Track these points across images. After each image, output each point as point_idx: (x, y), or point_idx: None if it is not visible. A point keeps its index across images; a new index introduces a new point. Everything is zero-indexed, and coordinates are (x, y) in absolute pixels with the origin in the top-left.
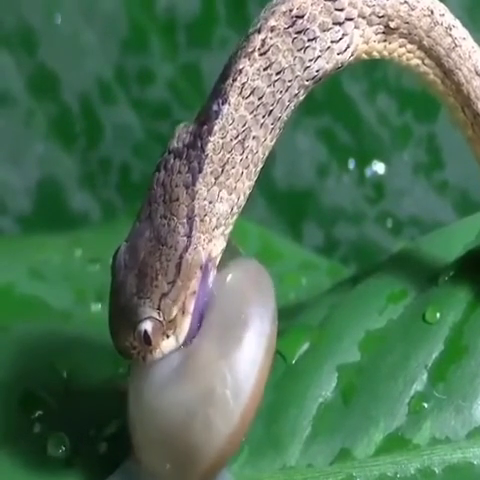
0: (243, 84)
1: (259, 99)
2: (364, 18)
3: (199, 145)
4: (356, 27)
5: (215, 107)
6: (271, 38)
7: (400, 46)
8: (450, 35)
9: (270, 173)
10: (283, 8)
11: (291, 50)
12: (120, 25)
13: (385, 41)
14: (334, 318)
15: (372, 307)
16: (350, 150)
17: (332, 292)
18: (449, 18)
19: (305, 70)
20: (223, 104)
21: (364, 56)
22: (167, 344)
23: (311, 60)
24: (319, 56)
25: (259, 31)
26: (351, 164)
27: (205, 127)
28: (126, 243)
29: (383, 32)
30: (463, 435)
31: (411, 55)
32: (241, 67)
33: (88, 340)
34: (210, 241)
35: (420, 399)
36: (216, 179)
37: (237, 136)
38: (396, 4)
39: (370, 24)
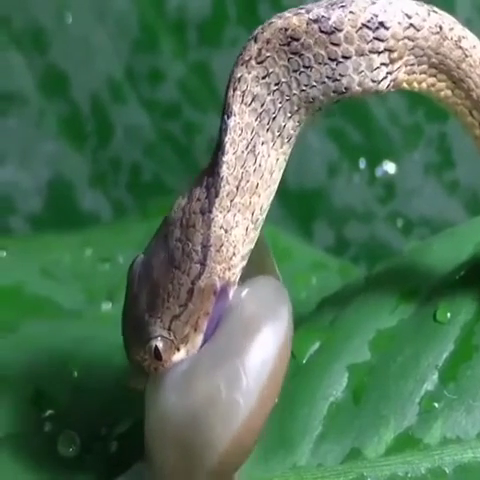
0: (243, 92)
1: (261, 106)
2: (362, 56)
3: (215, 171)
4: (355, 68)
5: (223, 125)
6: (267, 50)
7: (407, 73)
8: (460, 47)
9: None
10: (279, 24)
11: (287, 67)
12: (131, 25)
13: (389, 75)
14: (344, 318)
15: (383, 307)
16: (361, 150)
17: (343, 292)
18: (458, 30)
19: (301, 92)
20: (229, 117)
21: (370, 95)
22: (178, 357)
23: (306, 86)
24: (314, 86)
25: (255, 40)
26: (362, 164)
27: (219, 152)
28: (143, 255)
29: (387, 64)
30: (474, 435)
31: (422, 76)
32: (239, 75)
33: (99, 339)
34: (228, 270)
35: (431, 399)
36: (231, 201)
37: (247, 145)
38: (399, 32)
39: (369, 67)
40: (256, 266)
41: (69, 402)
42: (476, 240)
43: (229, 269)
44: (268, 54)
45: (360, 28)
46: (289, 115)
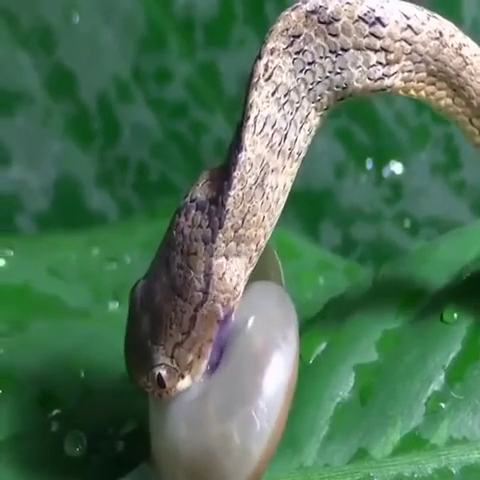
0: (255, 118)
1: (272, 127)
2: (359, 50)
3: (220, 201)
4: (353, 62)
5: (233, 158)
6: (272, 61)
7: (404, 81)
8: (460, 55)
9: None
10: (279, 28)
11: (293, 71)
12: (138, 24)
13: (386, 78)
14: (351, 318)
15: (389, 307)
16: (368, 150)
17: (349, 292)
18: (459, 38)
19: (309, 91)
20: (239, 152)
21: (368, 94)
22: (183, 384)
23: (312, 83)
24: (319, 81)
25: (260, 57)
26: (369, 164)
27: (225, 183)
28: (143, 280)
29: (383, 64)
30: None
31: (420, 85)
32: (251, 101)
33: (105, 339)
34: (233, 299)
35: (437, 399)
36: (236, 232)
37: (256, 180)
38: (396, 32)
39: (366, 63)
40: (260, 268)
41: (76, 402)
42: None
43: (234, 298)
44: (274, 64)
45: (357, 20)
46: (300, 125)
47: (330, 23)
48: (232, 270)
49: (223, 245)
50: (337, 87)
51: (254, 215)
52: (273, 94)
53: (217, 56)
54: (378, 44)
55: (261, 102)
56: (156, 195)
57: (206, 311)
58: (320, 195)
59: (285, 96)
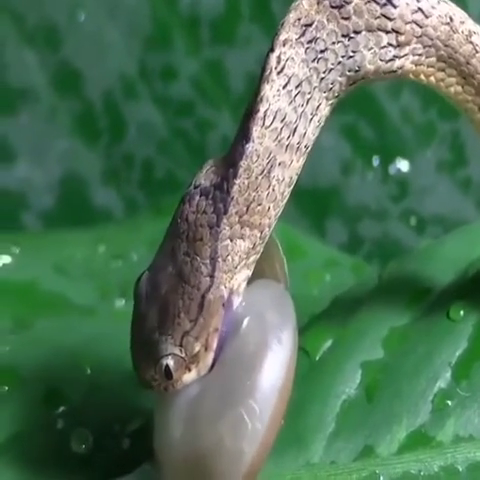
0: (265, 112)
1: (282, 121)
2: (371, 32)
3: (225, 187)
4: (365, 44)
5: (239, 148)
6: (285, 52)
7: (414, 64)
8: (471, 42)
9: None
10: (291, 18)
11: (306, 61)
12: (144, 22)
13: (396, 59)
14: (358, 315)
15: (396, 304)
16: (374, 147)
17: (356, 289)
18: (469, 25)
19: (321, 81)
20: (247, 143)
21: (380, 76)
22: (189, 377)
23: (325, 71)
24: (332, 69)
25: (272, 49)
26: (375, 161)
27: (231, 170)
28: (148, 272)
29: (394, 46)
30: None
31: (430, 70)
32: (262, 94)
33: (112, 336)
34: (232, 278)
35: (443, 396)
36: (240, 218)
37: (262, 171)
38: (407, 14)
39: (378, 44)
40: (264, 262)
41: (82, 399)
42: None
43: (233, 278)
44: (286, 56)
45: (368, 2)
46: (310, 117)
47: (342, 6)
48: (235, 251)
49: (228, 228)
50: (349, 71)
51: (259, 204)
52: (284, 87)
53: (223, 54)
54: (389, 25)
55: (272, 96)
56: (162, 192)
57: (212, 296)
58: (326, 192)
59: (297, 88)
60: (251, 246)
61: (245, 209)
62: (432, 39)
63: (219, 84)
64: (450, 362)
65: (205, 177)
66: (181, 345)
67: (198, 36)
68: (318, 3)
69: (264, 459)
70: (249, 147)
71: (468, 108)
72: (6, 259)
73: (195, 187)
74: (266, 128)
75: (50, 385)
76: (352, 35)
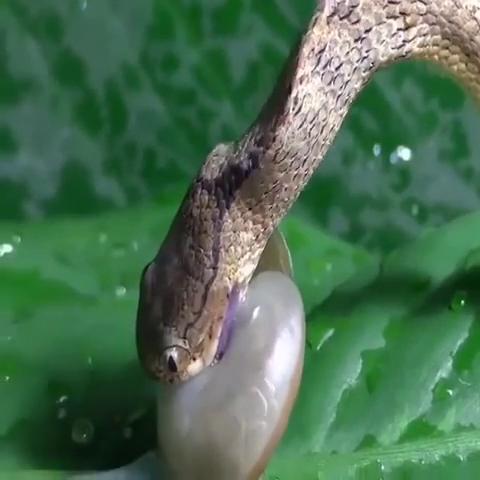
0: (277, 151)
1: (293, 156)
2: (381, 24)
3: (227, 188)
4: (377, 39)
5: (245, 166)
6: (302, 90)
7: (421, 45)
8: (474, 18)
9: None
10: (305, 52)
11: (322, 88)
12: (146, 11)
13: (406, 44)
14: (359, 305)
15: (397, 294)
16: (376, 136)
17: (357, 279)
18: (473, 0)
19: (337, 100)
20: (254, 168)
21: (390, 64)
22: (194, 367)
23: (341, 87)
24: (348, 81)
25: (290, 90)
26: (377, 150)
27: (233, 177)
28: (154, 263)
29: (403, 29)
30: None
31: (435, 48)
32: (276, 134)
33: (113, 325)
34: (236, 270)
35: (445, 386)
36: (243, 213)
37: (267, 192)
38: None
39: (389, 34)
40: (269, 256)
41: (83, 389)
42: None
43: (237, 269)
44: (303, 94)
45: None
46: (323, 143)
47: (350, 12)
48: (238, 241)
49: (230, 221)
50: (364, 71)
51: (262, 207)
52: (300, 126)
53: (225, 43)
54: (397, 9)
55: (287, 137)
56: (164, 182)
57: (216, 287)
58: (328, 182)
59: (312, 121)
60: (254, 238)
61: (248, 208)
62: (436, 16)
63: (221, 73)
64: (451, 352)
65: (209, 170)
66: (185, 337)
67: (200, 25)
68: (328, 23)
69: (279, 442)
70: (254, 173)
71: (471, 87)
72: (8, 248)
73: (198, 180)
74: (276, 163)
75: (51, 374)
76: (364, 35)
